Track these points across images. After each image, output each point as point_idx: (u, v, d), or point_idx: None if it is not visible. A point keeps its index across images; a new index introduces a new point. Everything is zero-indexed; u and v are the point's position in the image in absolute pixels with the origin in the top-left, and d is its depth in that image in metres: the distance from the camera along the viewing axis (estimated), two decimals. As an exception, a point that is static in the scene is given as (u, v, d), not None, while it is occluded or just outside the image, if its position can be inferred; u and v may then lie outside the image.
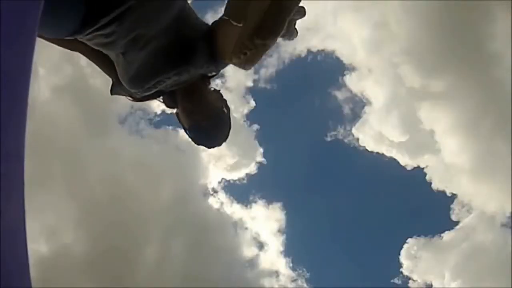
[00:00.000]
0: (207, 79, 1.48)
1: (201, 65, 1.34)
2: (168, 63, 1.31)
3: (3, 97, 0.44)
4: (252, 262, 10.17)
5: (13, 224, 0.46)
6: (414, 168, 9.62)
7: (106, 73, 1.48)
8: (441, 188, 9.45)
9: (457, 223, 9.56)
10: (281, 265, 10.07)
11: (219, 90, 1.53)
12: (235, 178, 9.95)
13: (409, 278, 9.32)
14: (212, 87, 1.52)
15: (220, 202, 10.25)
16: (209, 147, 1.62)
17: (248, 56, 1.08)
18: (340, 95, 10.03)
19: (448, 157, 9.88)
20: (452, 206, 9.49)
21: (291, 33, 1.09)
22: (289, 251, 10.01)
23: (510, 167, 7.96)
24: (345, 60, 9.91)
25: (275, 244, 10.24)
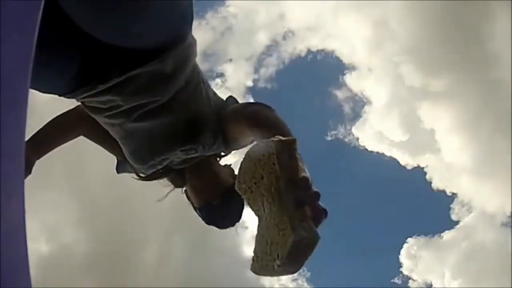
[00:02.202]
0: (217, 155, 1.36)
1: (210, 145, 1.22)
2: (173, 140, 1.20)
3: (3, 97, 0.44)
4: (253, 262, 10.16)
5: (13, 224, 0.46)
6: (414, 167, 9.62)
7: (111, 152, 1.41)
8: (441, 187, 9.46)
9: (457, 222, 9.57)
10: (281, 264, 10.06)
11: (231, 165, 1.40)
12: (235, 177, 9.95)
13: (409, 278, 9.32)
14: (223, 163, 1.40)
15: (220, 201, 10.24)
16: (221, 228, 1.46)
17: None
18: (340, 94, 10.05)
19: (448, 156, 9.90)
20: (452, 205, 9.49)
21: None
22: (289, 250, 10.00)
23: (510, 166, 7.96)
24: (345, 59, 9.93)
25: (275, 243, 10.23)
